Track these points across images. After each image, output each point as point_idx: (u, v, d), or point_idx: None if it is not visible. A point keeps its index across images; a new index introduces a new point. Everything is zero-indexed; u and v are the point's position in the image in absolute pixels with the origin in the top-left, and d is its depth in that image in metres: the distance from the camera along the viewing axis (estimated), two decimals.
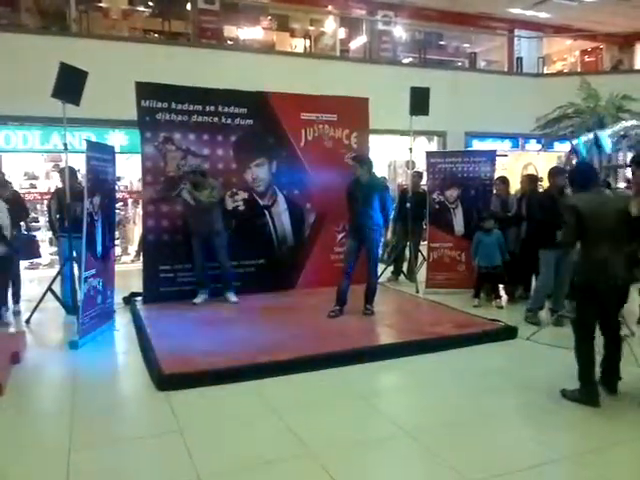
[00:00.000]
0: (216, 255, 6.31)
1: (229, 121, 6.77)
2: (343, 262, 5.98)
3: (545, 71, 15.68)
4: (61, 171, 5.91)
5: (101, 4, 12.25)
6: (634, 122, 8.10)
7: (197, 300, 6.28)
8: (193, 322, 5.63)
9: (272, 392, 3.97)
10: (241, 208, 6.84)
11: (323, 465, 2.93)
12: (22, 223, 6.66)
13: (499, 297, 6.55)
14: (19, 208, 6.37)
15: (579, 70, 16.51)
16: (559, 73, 16.59)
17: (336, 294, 5.80)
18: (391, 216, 6.21)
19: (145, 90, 6.40)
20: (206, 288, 6.37)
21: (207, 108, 6.67)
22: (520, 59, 14.55)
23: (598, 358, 3.81)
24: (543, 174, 7.00)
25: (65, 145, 5.77)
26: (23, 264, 7.16)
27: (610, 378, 3.81)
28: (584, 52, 17.69)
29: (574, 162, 7.88)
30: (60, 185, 6.44)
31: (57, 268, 6.46)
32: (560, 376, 3.92)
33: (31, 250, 6.65)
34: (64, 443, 3.19)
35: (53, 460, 3.03)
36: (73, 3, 10.68)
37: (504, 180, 7.21)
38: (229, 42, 12.66)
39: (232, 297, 6.38)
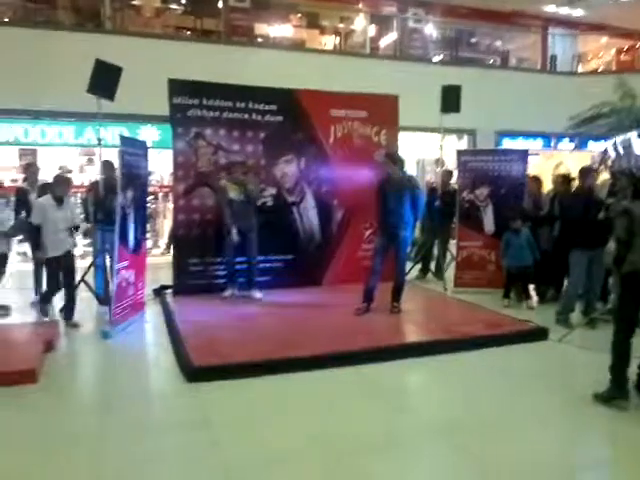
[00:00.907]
0: (248, 250, 6.35)
1: (259, 117, 6.82)
2: (371, 259, 5.95)
3: (580, 69, 15.36)
4: (102, 164, 6.02)
5: (134, 2, 12.43)
6: None
7: (227, 294, 6.32)
8: (222, 315, 5.68)
9: (300, 387, 3.99)
10: (269, 204, 6.88)
11: (350, 461, 2.93)
12: None
13: (530, 298, 6.45)
14: None
15: (614, 69, 16.12)
16: (594, 72, 16.21)
17: (363, 291, 5.79)
18: (420, 212, 6.14)
19: (177, 87, 6.49)
20: (235, 282, 6.42)
21: (237, 105, 6.72)
22: (554, 57, 14.28)
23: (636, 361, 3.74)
24: (575, 174, 6.86)
25: (99, 140, 5.89)
26: None
27: None
28: (620, 51, 17.25)
29: (609, 162, 7.69)
30: (97, 178, 6.55)
31: (90, 260, 6.58)
32: (592, 379, 3.84)
33: None
34: (94, 431, 3.27)
35: (83, 447, 3.10)
36: (108, 1, 10.87)
37: (537, 179, 7.10)
38: (259, 39, 12.72)
39: (257, 293, 6.39)
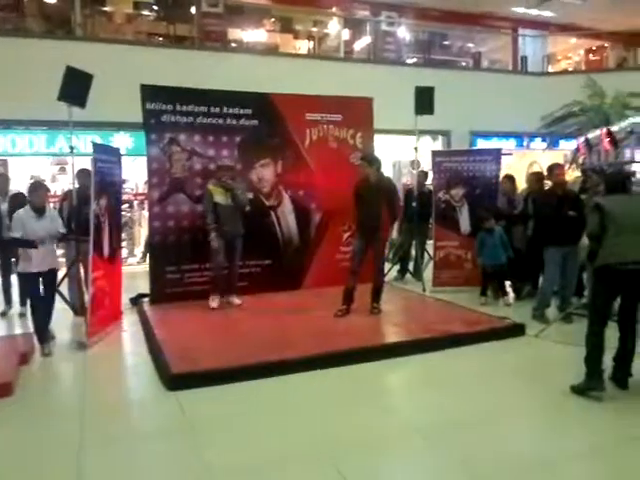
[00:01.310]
0: (232, 256, 6.22)
1: (234, 122, 6.79)
2: (350, 261, 5.97)
3: (550, 70, 15.66)
4: (78, 172, 5.89)
5: (105, 8, 12.31)
6: None
7: (215, 304, 6.14)
8: (200, 322, 5.64)
9: (280, 391, 3.97)
10: (247, 208, 6.84)
11: (333, 463, 2.93)
12: None
13: (506, 295, 6.53)
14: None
15: (584, 69, 16.46)
16: (564, 72, 16.54)
17: (343, 293, 5.80)
18: (396, 214, 6.18)
19: (150, 93, 6.43)
20: (220, 290, 6.26)
21: (212, 109, 6.69)
22: (525, 58, 14.53)
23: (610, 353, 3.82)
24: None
25: (71, 148, 5.80)
26: None
27: (622, 373, 3.83)
28: (589, 51, 17.64)
29: (580, 160, 7.84)
30: (71, 187, 6.44)
31: (64, 270, 6.47)
32: (569, 372, 3.90)
33: None
34: (74, 442, 3.21)
35: (63, 458, 3.04)
36: (78, 8, 10.74)
37: (511, 178, 7.20)
38: (233, 45, 12.70)
39: (236, 299, 6.31)
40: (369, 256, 5.84)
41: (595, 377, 3.69)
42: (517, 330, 5.21)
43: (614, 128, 6.72)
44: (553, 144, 12.75)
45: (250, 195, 6.86)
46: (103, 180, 5.38)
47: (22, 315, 6.22)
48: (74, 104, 5.61)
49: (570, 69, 17.45)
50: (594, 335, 3.76)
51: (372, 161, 5.89)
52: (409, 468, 3.00)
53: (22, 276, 5.07)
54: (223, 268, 6.19)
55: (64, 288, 6.12)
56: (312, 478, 2.86)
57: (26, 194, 5.42)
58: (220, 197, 6.06)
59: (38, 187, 5.17)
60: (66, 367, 4.63)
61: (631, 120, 7.08)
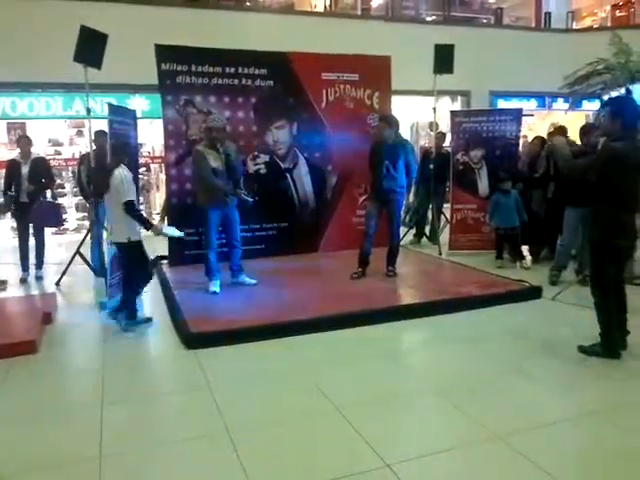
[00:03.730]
0: (234, 231, 5.47)
1: (249, 82, 6.71)
2: (365, 224, 5.95)
3: (574, 26, 15.10)
4: (95, 134, 5.89)
5: None
6: None
7: (216, 288, 5.34)
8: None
9: (298, 350, 4.04)
10: (262, 171, 6.83)
11: (349, 420, 2.99)
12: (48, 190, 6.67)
13: (523, 258, 6.49)
14: (45, 175, 6.42)
15: (610, 25, 15.83)
16: (589, 28, 15.94)
17: (358, 256, 5.81)
18: (414, 178, 6.11)
19: (165, 53, 6.35)
20: (220, 271, 5.50)
21: (227, 70, 6.61)
22: (548, 14, 14.01)
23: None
24: (571, 134, 6.81)
25: (88, 109, 5.79)
26: (48, 230, 7.24)
27: (620, 333, 3.80)
28: (615, 6, 16.90)
29: (603, 121, 7.62)
30: (87, 150, 6.48)
31: (84, 232, 6.56)
32: (584, 334, 3.90)
33: (56, 217, 6.55)
34: (97, 398, 3.31)
35: (87, 414, 3.15)
36: None
37: (542, 140, 6.95)
38: (248, 3, 12.43)
39: (248, 279, 5.59)
40: (384, 218, 5.83)
41: (614, 342, 3.70)
42: (534, 293, 5.20)
43: (638, 86, 6.49)
44: (576, 104, 12.39)
45: (266, 157, 6.84)
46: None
47: (39, 278, 6.35)
48: (90, 65, 5.58)
49: (595, 26, 16.81)
50: (607, 305, 3.74)
51: (391, 122, 5.79)
52: (421, 424, 3.06)
53: (137, 244, 4.60)
54: (222, 245, 5.55)
55: (85, 249, 6.24)
56: (325, 431, 2.93)
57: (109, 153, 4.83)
58: (215, 162, 5.18)
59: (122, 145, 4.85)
60: (88, 327, 4.74)
61: None
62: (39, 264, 6.42)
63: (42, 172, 6.33)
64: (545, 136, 7.25)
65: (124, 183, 4.41)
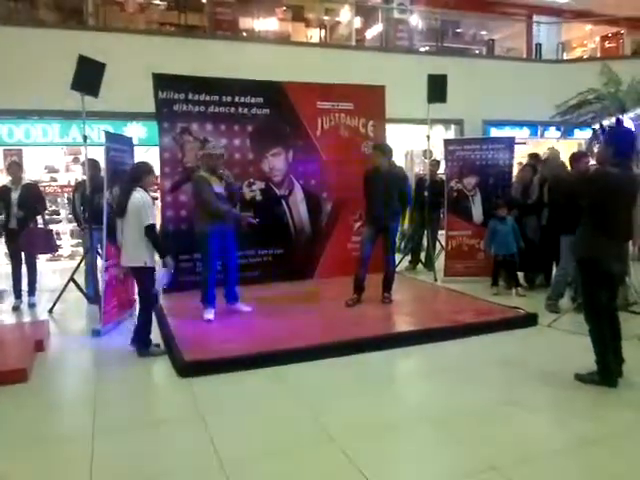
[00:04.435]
0: (231, 257, 5.46)
1: (245, 111, 6.79)
2: (360, 250, 5.96)
3: (565, 57, 15.43)
4: (84, 163, 5.93)
5: None
6: None
7: (211, 316, 5.26)
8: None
9: (292, 379, 3.99)
10: (258, 198, 6.86)
11: (344, 451, 2.94)
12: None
13: (519, 285, 6.49)
14: (35, 201, 6.39)
15: (599, 56, 16.19)
16: (579, 59, 16.29)
17: (353, 282, 5.80)
18: (409, 204, 6.15)
19: (162, 81, 6.44)
20: (215, 298, 5.40)
21: (224, 98, 6.69)
22: (539, 45, 14.32)
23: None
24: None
25: (84, 137, 5.83)
26: (43, 256, 7.20)
27: (615, 361, 3.78)
28: (604, 37, 17.32)
29: (595, 149, 7.73)
30: (82, 177, 6.50)
31: (78, 259, 6.53)
32: (580, 362, 3.88)
33: (47, 244, 6.47)
34: (88, 428, 3.25)
35: (77, 444, 3.08)
36: None
37: (534, 167, 7.03)
38: (244, 33, 12.65)
39: (244, 307, 5.56)
40: (379, 245, 5.84)
41: (609, 370, 3.69)
42: (530, 320, 5.18)
43: (630, 115, 6.61)
44: (568, 133, 12.57)
45: (262, 184, 6.87)
46: (115, 169, 5.41)
47: (32, 305, 6.29)
48: (87, 93, 5.64)
49: (585, 56, 17.17)
50: (602, 332, 3.74)
51: (385, 150, 5.86)
52: (417, 454, 3.01)
53: (152, 270, 4.56)
54: (218, 272, 5.44)
55: (79, 276, 6.21)
56: (320, 463, 2.88)
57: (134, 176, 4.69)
58: (217, 187, 5.25)
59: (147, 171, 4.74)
60: (81, 355, 4.69)
61: None
62: (31, 291, 6.37)
63: (33, 198, 6.31)
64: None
65: (145, 206, 4.41)
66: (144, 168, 4.70)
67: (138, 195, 4.45)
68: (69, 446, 3.10)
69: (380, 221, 5.73)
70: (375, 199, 5.73)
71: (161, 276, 4.55)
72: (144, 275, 4.53)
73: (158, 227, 5.13)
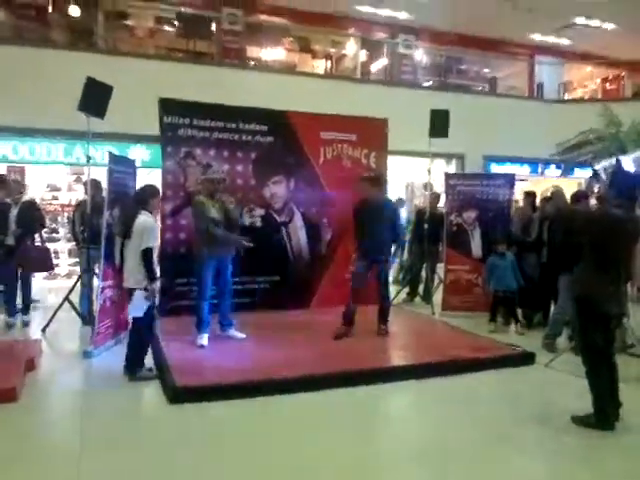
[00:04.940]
0: (226, 283, 5.47)
1: (249, 138, 6.84)
2: (352, 282, 5.91)
3: (566, 97, 15.67)
4: (86, 183, 5.95)
5: (128, 22, 12.55)
6: None
7: (204, 342, 5.23)
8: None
9: (284, 409, 3.94)
10: (258, 224, 6.86)
11: None
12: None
13: (519, 321, 6.43)
14: (34, 219, 6.40)
15: (600, 97, 16.45)
16: (580, 99, 16.55)
17: (343, 314, 5.72)
18: (401, 235, 6.12)
19: (168, 106, 6.51)
20: (209, 323, 5.39)
21: (228, 125, 6.75)
22: (541, 85, 14.58)
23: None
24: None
25: (88, 157, 5.87)
26: (40, 274, 7.16)
27: (612, 404, 3.73)
28: (605, 79, 17.62)
29: (595, 189, 7.79)
30: (84, 197, 6.51)
31: (75, 279, 6.50)
32: (577, 404, 3.83)
33: (44, 262, 6.47)
34: (74, 449, 3.20)
35: (64, 465, 3.04)
36: (101, 21, 10.97)
37: (533, 204, 7.08)
38: (251, 62, 12.87)
39: (238, 334, 5.52)
40: (374, 278, 5.80)
41: (607, 414, 3.64)
42: (527, 359, 5.13)
43: (629, 156, 6.67)
44: (568, 171, 12.69)
45: (262, 211, 6.88)
46: (117, 190, 5.42)
47: (26, 324, 6.24)
48: (93, 115, 5.69)
49: (586, 97, 17.45)
50: (601, 376, 3.71)
51: (374, 181, 5.84)
52: None
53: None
54: (213, 297, 5.43)
55: (75, 297, 6.16)
56: None
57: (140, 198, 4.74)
58: (215, 213, 5.27)
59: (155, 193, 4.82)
60: (71, 375, 4.62)
61: None
62: (25, 309, 6.32)
63: (31, 216, 6.32)
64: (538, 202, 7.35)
65: (147, 229, 4.44)
66: (150, 191, 4.74)
67: (142, 218, 4.48)
68: (55, 466, 3.05)
69: (371, 253, 5.70)
70: (365, 231, 5.70)
71: (137, 302, 4.47)
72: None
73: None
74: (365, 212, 5.71)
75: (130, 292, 4.54)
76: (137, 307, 4.45)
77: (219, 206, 5.33)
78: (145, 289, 4.42)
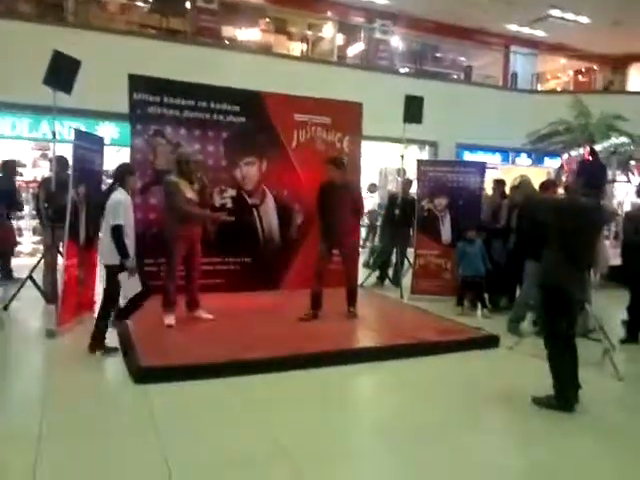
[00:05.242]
0: (194, 264, 5.43)
1: (221, 118, 6.74)
2: (315, 264, 5.85)
3: (539, 88, 15.87)
4: (51, 160, 5.80)
5: None
6: (624, 139, 8.21)
7: (172, 321, 5.19)
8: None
9: (250, 390, 3.93)
10: (229, 205, 6.79)
11: (295, 465, 2.90)
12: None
13: (485, 307, 6.54)
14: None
15: (572, 89, 16.72)
16: (552, 91, 16.80)
17: (311, 298, 5.71)
18: (361, 217, 6.13)
19: (138, 83, 6.34)
20: (175, 304, 5.33)
21: (199, 104, 6.62)
22: (515, 75, 14.71)
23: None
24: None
25: (53, 133, 5.71)
26: None
27: (572, 387, 3.82)
28: (577, 72, 17.93)
29: (563, 178, 7.94)
30: (49, 174, 6.35)
31: (39, 257, 6.36)
32: (539, 385, 3.91)
33: (6, 239, 6.38)
34: (34, 432, 3.12)
35: (22, 448, 2.97)
36: None
37: (502, 192, 7.17)
38: (226, 42, 12.66)
39: (204, 314, 5.49)
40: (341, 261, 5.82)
41: (567, 396, 3.73)
42: (491, 341, 5.22)
43: (597, 147, 6.81)
44: (538, 161, 12.90)
45: (233, 192, 6.81)
46: (83, 167, 5.30)
47: None
48: (59, 89, 5.52)
49: (558, 89, 17.71)
50: (562, 360, 3.79)
51: (339, 164, 5.80)
52: (366, 473, 2.97)
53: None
54: (181, 277, 5.41)
55: (37, 275, 6.03)
56: (270, 478, 2.82)
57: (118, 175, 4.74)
58: (189, 192, 5.22)
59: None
60: (32, 355, 4.53)
61: (614, 141, 7.18)
62: None
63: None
64: (508, 189, 7.44)
65: (117, 206, 4.44)
66: (128, 169, 4.81)
67: (115, 195, 4.51)
68: (13, 449, 2.98)
69: (336, 235, 5.70)
70: (328, 213, 5.69)
71: (126, 283, 4.48)
72: (115, 274, 4.52)
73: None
74: (328, 194, 5.67)
75: (108, 269, 4.54)
76: (130, 286, 4.53)
77: (193, 186, 5.29)
78: (122, 267, 4.41)
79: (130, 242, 4.55)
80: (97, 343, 4.52)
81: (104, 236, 4.56)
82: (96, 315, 4.68)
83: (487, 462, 3.07)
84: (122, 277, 4.51)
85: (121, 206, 4.46)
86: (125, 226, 4.46)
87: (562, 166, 7.85)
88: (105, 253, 4.56)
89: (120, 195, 4.51)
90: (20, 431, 3.21)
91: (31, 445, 2.97)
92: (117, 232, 4.40)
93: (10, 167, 7.44)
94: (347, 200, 5.67)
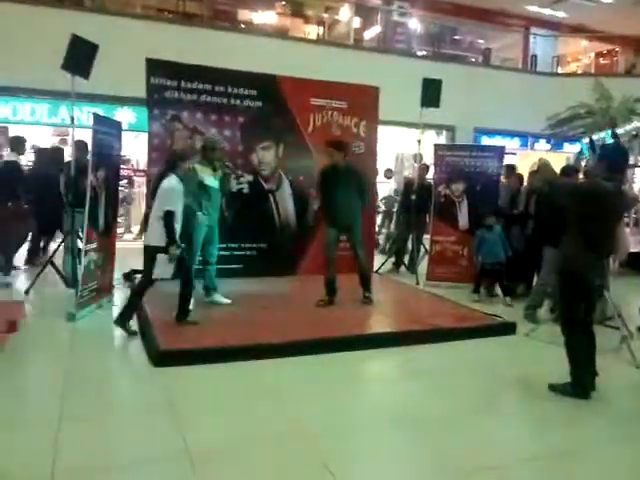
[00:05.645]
0: (213, 247, 5.48)
1: (238, 102, 6.74)
2: (325, 251, 5.82)
3: (559, 71, 15.57)
4: (74, 144, 5.84)
5: None
6: None
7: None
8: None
9: (268, 373, 3.96)
10: (245, 191, 6.81)
11: (313, 448, 2.93)
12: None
13: (510, 293, 6.44)
14: (15, 179, 6.33)
15: (593, 72, 16.37)
16: (573, 74, 16.47)
17: (325, 285, 5.69)
18: (367, 200, 6.01)
19: (155, 67, 6.36)
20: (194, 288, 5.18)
21: (216, 88, 6.63)
22: (534, 57, 14.43)
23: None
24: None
25: (72, 118, 5.75)
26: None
27: (589, 374, 3.79)
28: (599, 54, 17.55)
29: (583, 163, 7.80)
30: (68, 159, 6.41)
31: (59, 241, 6.45)
32: (556, 372, 3.89)
33: (25, 224, 6.50)
34: (54, 413, 3.18)
35: (42, 431, 3.01)
36: None
37: (520, 177, 7.08)
38: (242, 25, 12.59)
39: (223, 298, 5.53)
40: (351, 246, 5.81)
41: (584, 383, 3.71)
42: (508, 328, 5.20)
43: (619, 131, 6.67)
44: (557, 146, 12.70)
45: (249, 177, 6.82)
46: (102, 152, 5.34)
47: (7, 285, 6.20)
48: (77, 74, 5.55)
49: (579, 71, 17.36)
50: (579, 345, 3.75)
51: (340, 147, 5.66)
52: (384, 456, 2.99)
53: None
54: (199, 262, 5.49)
55: (58, 259, 6.12)
56: (288, 459, 2.85)
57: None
58: (209, 179, 5.31)
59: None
60: (53, 338, 4.61)
61: (637, 124, 7.03)
62: (7, 269, 6.27)
63: (11, 177, 6.23)
64: (526, 175, 7.35)
65: (169, 192, 4.52)
66: (178, 155, 4.94)
67: (167, 181, 4.59)
68: (34, 431, 3.03)
69: (342, 220, 5.62)
70: (332, 198, 5.59)
71: (161, 265, 4.56)
72: (154, 256, 4.57)
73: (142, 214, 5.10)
74: (331, 179, 5.57)
75: (148, 250, 4.59)
76: (162, 270, 4.58)
77: (213, 173, 5.33)
78: (165, 251, 4.49)
79: (177, 228, 4.62)
80: (125, 319, 4.64)
81: (153, 220, 4.63)
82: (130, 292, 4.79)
83: (500, 445, 3.08)
84: (159, 258, 4.54)
85: (174, 193, 4.54)
86: (176, 212, 4.55)
87: (582, 150, 7.69)
88: (152, 235, 4.61)
89: (173, 181, 4.58)
90: (39, 414, 3.26)
91: (52, 425, 3.03)
92: (169, 217, 4.49)
93: (57, 156, 7.44)
94: (352, 184, 5.56)
